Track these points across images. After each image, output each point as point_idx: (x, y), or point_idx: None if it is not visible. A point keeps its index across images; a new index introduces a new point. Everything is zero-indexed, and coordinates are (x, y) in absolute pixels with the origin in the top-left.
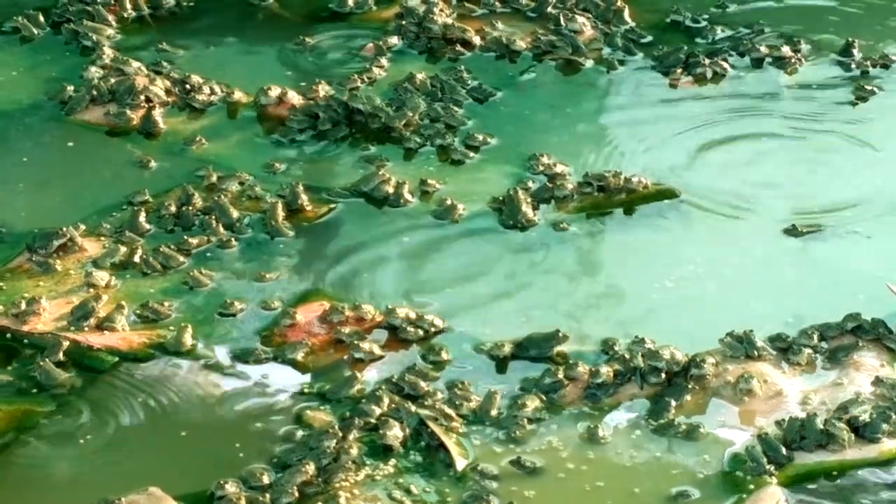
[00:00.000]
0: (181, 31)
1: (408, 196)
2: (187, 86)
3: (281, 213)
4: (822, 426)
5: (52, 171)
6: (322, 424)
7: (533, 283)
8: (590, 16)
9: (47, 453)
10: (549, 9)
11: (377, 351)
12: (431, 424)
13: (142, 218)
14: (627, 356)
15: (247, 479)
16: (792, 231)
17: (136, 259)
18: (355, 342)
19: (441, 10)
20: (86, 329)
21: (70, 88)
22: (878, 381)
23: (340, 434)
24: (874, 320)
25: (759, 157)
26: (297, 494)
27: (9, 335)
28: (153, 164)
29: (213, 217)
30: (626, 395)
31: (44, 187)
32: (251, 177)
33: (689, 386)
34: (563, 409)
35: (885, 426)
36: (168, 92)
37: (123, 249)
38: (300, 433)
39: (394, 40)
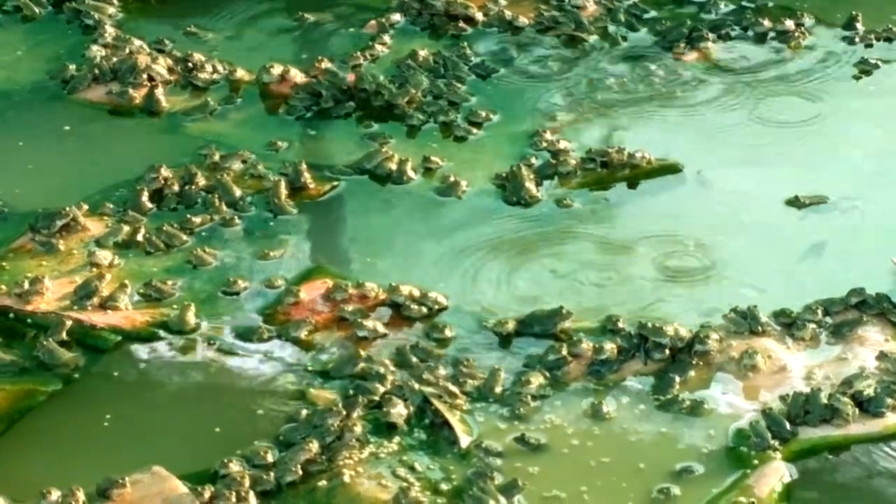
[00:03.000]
0: (182, 9)
1: (411, 173)
2: (189, 64)
3: (284, 191)
4: (826, 401)
5: (54, 151)
6: (326, 402)
7: (536, 259)
8: None
9: (51, 433)
10: None
11: (381, 329)
12: (435, 402)
13: (144, 197)
14: (631, 332)
15: (250, 457)
16: (795, 202)
17: (139, 238)
18: (359, 320)
19: None
20: (89, 308)
21: (72, 67)
22: (882, 356)
23: (344, 412)
24: (878, 295)
25: (763, 131)
26: (301, 472)
27: (12, 315)
28: (156, 142)
29: (216, 195)
30: (630, 371)
31: (46, 167)
32: (254, 155)
33: (694, 362)
34: (567, 385)
35: (889, 400)
36: (170, 70)
37: (126, 228)
38: (304, 411)
39: (396, 17)
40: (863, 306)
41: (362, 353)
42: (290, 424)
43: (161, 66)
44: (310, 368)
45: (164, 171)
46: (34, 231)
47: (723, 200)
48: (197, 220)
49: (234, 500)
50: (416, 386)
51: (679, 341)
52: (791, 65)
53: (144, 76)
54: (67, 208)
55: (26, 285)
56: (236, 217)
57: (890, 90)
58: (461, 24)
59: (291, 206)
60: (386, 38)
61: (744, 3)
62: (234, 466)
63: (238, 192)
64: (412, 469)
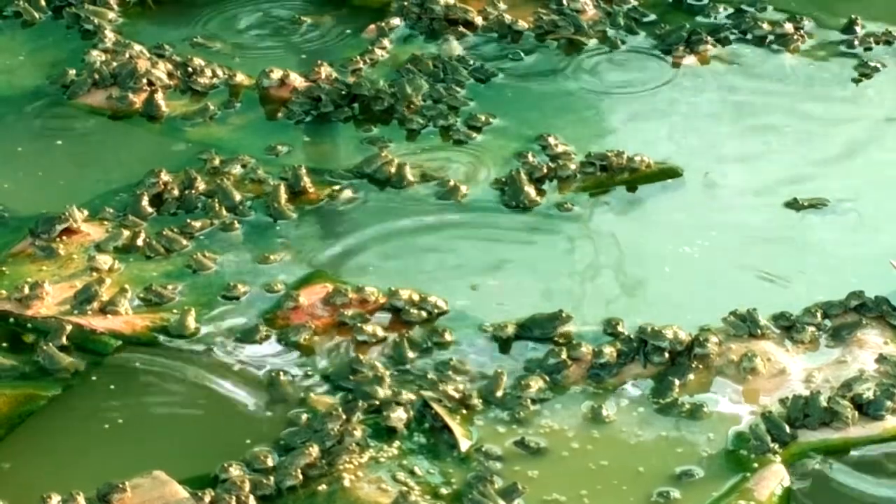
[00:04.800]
0: (181, 14)
1: (410, 177)
2: (189, 69)
3: (284, 196)
4: (825, 404)
5: (54, 156)
6: (326, 407)
7: (536, 263)
8: None
9: (51, 438)
10: None
11: (380, 333)
12: (435, 406)
13: (144, 201)
14: (631, 336)
15: (251, 461)
16: (793, 205)
17: (139, 242)
18: (358, 324)
19: None
20: (89, 313)
21: (72, 72)
22: (881, 359)
23: (344, 416)
24: (878, 298)
25: (763, 135)
26: (301, 477)
27: (12, 320)
28: (155, 147)
29: (216, 200)
30: (629, 375)
31: (46, 171)
32: (254, 159)
33: (693, 365)
34: (566, 389)
35: (888, 403)
36: (170, 75)
37: (126, 233)
38: (304, 416)
39: (395, 21)
40: (862, 309)
41: (362, 357)
42: (291, 429)
43: (161, 71)
44: (310, 373)
45: (164, 176)
46: (34, 236)
47: (722, 203)
48: (197, 224)
49: None
50: (417, 390)
51: (678, 344)
52: (790, 68)
53: (144, 81)
54: (67, 213)
55: (26, 290)
56: (236, 221)
57: (889, 93)
58: (461, 28)
59: (291, 211)
60: (385, 42)
61: (743, 7)
62: (235, 471)
63: (238, 197)
64: (412, 473)
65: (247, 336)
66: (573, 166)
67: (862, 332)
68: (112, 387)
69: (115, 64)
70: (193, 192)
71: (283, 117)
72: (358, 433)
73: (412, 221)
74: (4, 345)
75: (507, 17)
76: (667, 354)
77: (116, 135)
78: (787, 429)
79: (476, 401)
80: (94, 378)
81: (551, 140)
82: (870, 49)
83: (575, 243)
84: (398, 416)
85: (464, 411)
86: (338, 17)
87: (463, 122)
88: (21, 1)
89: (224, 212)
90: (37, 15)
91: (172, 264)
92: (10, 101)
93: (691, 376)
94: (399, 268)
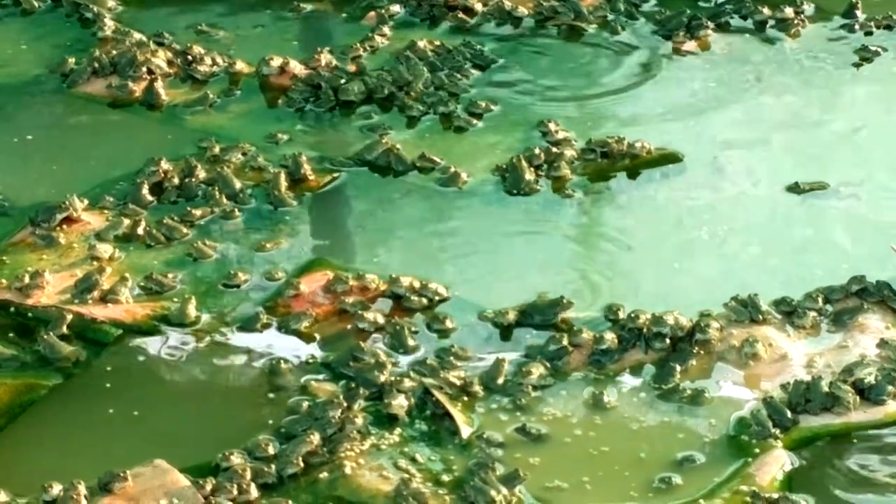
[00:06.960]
0: (181, 2)
1: (411, 164)
2: (189, 57)
3: (284, 183)
4: (827, 389)
5: (54, 145)
6: (327, 394)
7: (537, 249)
8: None
9: (52, 427)
10: None
11: (381, 320)
12: (436, 393)
13: (145, 190)
14: (631, 322)
15: (252, 450)
16: (795, 188)
17: (140, 231)
18: (359, 312)
19: None
20: (90, 302)
21: (71, 61)
22: (883, 344)
23: (345, 404)
24: (879, 282)
25: (763, 120)
26: (302, 465)
27: (13, 309)
28: (156, 135)
29: (217, 188)
30: (631, 361)
31: (46, 160)
32: (254, 147)
33: (694, 351)
34: (568, 375)
35: (890, 388)
36: (170, 63)
37: (127, 222)
38: (305, 403)
39: (395, 8)
40: (863, 294)
41: (363, 344)
42: (292, 416)
43: (160, 59)
44: (311, 360)
45: (165, 164)
46: (34, 225)
47: (722, 187)
48: (197, 212)
49: (235, 492)
50: (417, 377)
51: (679, 330)
52: (791, 52)
53: (144, 69)
54: (67, 202)
55: (27, 279)
56: (237, 209)
57: (889, 77)
58: (461, 14)
59: (292, 198)
60: (385, 29)
61: None
62: (236, 459)
63: (238, 185)
64: (413, 460)
65: (247, 324)
66: (574, 152)
67: (863, 316)
68: (113, 376)
69: (114, 52)
70: (193, 180)
71: (283, 105)
72: (359, 420)
73: (413, 208)
74: (7, 334)
75: (507, 3)
76: (668, 340)
77: (116, 123)
78: (789, 414)
79: (477, 388)
80: (94, 367)
81: (552, 126)
82: (870, 33)
83: (576, 229)
84: (399, 404)
85: (465, 398)
86: (338, 4)
87: (464, 108)
88: None
89: (224, 200)
90: (36, 3)
91: (173, 252)
92: (9, 90)
93: (693, 362)
94: (399, 255)
